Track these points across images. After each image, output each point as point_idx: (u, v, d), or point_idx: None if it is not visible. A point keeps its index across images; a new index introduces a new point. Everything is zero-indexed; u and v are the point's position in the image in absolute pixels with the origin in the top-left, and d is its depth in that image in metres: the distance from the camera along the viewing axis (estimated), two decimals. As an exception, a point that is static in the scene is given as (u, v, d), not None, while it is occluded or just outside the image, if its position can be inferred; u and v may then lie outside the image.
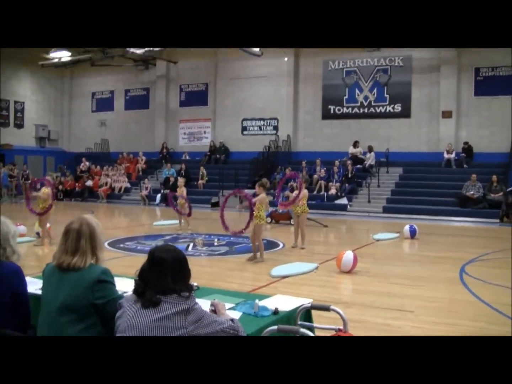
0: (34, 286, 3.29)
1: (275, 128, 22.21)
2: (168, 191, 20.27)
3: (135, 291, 2.43)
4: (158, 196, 20.47)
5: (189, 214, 11.66)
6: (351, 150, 20.00)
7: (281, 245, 10.24)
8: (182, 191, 11.97)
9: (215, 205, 17.34)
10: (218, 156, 22.71)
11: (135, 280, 2.45)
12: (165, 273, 2.37)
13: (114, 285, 2.67)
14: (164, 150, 23.88)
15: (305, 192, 9.62)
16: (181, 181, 11.94)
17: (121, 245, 9.71)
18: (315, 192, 18.25)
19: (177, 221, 14.05)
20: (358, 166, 19.38)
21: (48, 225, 9.50)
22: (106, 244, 9.81)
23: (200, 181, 20.66)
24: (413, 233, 11.18)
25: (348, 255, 7.44)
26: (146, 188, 21.19)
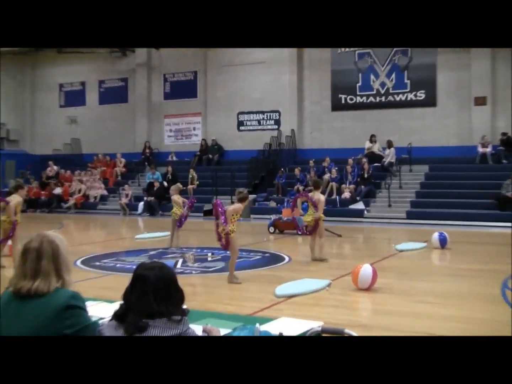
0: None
1: (277, 122, 22.26)
2: (152, 198, 20.47)
3: (114, 315, 2.43)
4: (141, 204, 20.52)
5: (180, 225, 11.58)
6: (367, 145, 20.04)
7: (287, 259, 10.24)
8: (177, 199, 11.71)
9: (208, 213, 17.33)
10: (210, 156, 22.78)
11: (120, 304, 2.48)
12: (146, 293, 2.37)
13: (85, 310, 2.63)
14: (147, 151, 23.99)
15: (321, 198, 9.76)
16: (174, 189, 11.82)
17: (97, 263, 9.72)
18: (325, 196, 18.22)
19: (163, 234, 14.02)
20: (376, 164, 19.43)
21: (9, 242, 9.45)
22: (79, 262, 9.79)
23: (190, 186, 20.69)
24: (443, 242, 11.17)
25: (366, 270, 7.43)
26: (126, 196, 21.25)
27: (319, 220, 9.80)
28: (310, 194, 9.91)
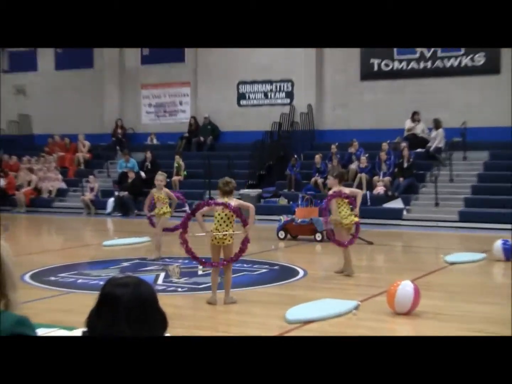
0: None
1: (289, 95, 22.25)
2: (125, 193, 20.44)
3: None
4: (110, 201, 20.58)
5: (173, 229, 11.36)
6: (408, 125, 20.02)
7: (301, 273, 10.26)
8: (163, 194, 11.50)
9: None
10: (202, 139, 22.80)
11: (83, 332, 2.47)
12: (117, 318, 2.36)
13: (35, 339, 2.63)
14: (119, 131, 24.02)
15: (357, 191, 9.89)
16: (160, 178, 11.59)
17: (52, 278, 9.74)
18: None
19: (140, 239, 13.97)
20: (419, 150, 19.42)
21: None
22: (27, 277, 9.78)
23: (175, 177, 20.73)
24: (507, 252, 11.14)
25: (406, 288, 7.41)
26: (92, 190, 21.28)
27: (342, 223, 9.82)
28: (334, 189, 9.91)
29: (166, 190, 11.67)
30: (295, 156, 20.13)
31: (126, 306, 2.39)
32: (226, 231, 7.99)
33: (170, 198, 11.65)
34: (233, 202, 8.04)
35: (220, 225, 8.01)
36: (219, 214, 8.04)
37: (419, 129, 19.97)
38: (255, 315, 7.60)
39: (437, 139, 19.41)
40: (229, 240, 8.08)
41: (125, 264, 11.05)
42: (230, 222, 8.06)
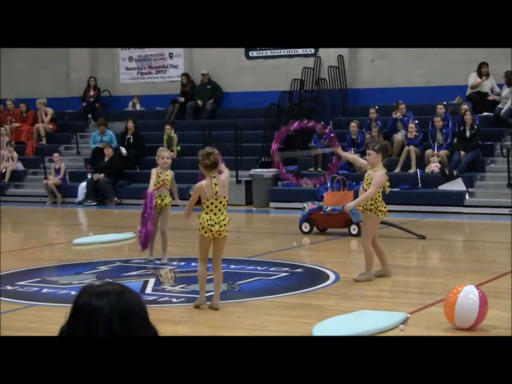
0: None
1: (314, 42, 22.18)
2: (101, 175, 20.39)
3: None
4: (82, 186, 20.63)
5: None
6: (472, 81, 19.88)
7: (332, 277, 10.29)
8: (166, 178, 11.39)
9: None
10: (199, 103, 22.83)
11: None
12: (96, 336, 2.40)
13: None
14: (91, 94, 24.11)
15: (377, 174, 9.74)
16: (164, 154, 11.48)
17: (9, 288, 9.78)
18: (397, 170, 18.32)
19: (122, 236, 14.01)
20: (486, 114, 19.40)
21: None
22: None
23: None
24: None
25: (469, 295, 7.42)
26: (57, 172, 21.37)
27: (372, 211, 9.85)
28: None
29: (172, 172, 11.54)
30: (322, 123, 20.11)
31: (107, 321, 2.41)
32: (223, 220, 8.26)
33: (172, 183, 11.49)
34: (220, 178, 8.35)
35: (215, 214, 8.25)
36: (212, 203, 8.27)
37: (487, 86, 19.85)
38: (273, 331, 7.58)
39: (510, 100, 19.36)
40: (226, 231, 8.38)
41: (103, 268, 11.08)
42: (225, 209, 8.38)
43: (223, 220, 8.28)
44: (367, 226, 9.95)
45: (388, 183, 9.89)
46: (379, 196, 9.74)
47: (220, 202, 8.29)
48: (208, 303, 8.54)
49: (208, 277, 8.65)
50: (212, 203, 8.25)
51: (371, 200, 9.71)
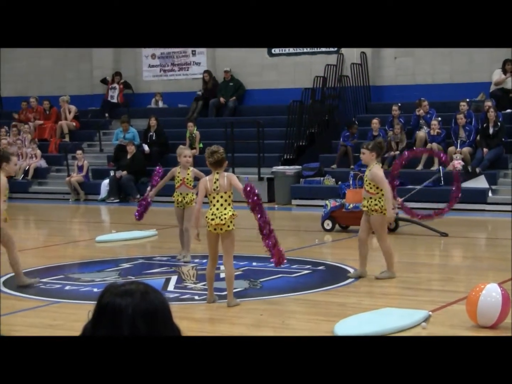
0: None
1: (336, 39, 22.13)
2: (124, 172, 20.43)
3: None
4: (104, 183, 20.75)
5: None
6: (496, 78, 19.83)
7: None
8: (188, 175, 11.32)
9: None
10: (222, 100, 22.85)
11: None
12: (120, 334, 2.40)
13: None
14: (114, 87, 24.16)
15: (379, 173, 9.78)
16: (188, 154, 11.40)
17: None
18: (420, 167, 18.28)
19: (145, 233, 14.05)
20: (509, 111, 19.32)
21: None
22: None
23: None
24: None
25: (492, 293, 7.40)
26: (80, 169, 21.43)
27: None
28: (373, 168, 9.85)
29: (195, 170, 11.43)
30: (356, 122, 20.05)
31: (132, 319, 2.41)
32: (225, 214, 8.32)
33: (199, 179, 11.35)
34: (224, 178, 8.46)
35: (217, 208, 8.37)
36: (214, 198, 8.44)
37: (511, 82, 19.78)
38: (294, 329, 7.60)
39: (533, 96, 19.23)
40: (229, 226, 8.37)
41: (125, 265, 11.13)
42: (229, 204, 8.43)
43: (225, 214, 8.33)
44: (376, 228, 9.97)
45: None
46: (382, 195, 9.77)
47: (222, 197, 8.41)
48: (219, 301, 8.60)
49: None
50: (214, 197, 8.41)
51: (375, 200, 9.78)
